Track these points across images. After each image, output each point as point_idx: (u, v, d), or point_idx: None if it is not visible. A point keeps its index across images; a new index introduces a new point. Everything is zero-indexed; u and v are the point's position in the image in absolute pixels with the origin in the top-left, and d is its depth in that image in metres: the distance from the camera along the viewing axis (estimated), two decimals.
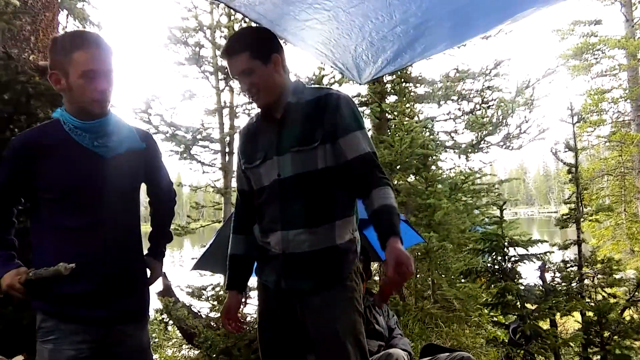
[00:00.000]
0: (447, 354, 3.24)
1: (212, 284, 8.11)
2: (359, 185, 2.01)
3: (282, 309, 2.09)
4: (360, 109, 11.50)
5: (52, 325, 1.96)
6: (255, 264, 2.25)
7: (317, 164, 2.01)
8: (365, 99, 10.28)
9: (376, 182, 1.97)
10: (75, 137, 2.00)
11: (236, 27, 10.02)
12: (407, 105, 9.80)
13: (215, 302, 7.25)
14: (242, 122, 12.15)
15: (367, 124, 11.28)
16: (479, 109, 10.22)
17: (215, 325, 6.35)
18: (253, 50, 2.01)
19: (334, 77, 8.75)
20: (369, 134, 11.30)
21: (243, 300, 2.47)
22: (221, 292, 7.77)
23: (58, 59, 1.95)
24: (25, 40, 5.94)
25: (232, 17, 9.75)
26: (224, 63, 2.04)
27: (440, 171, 9.18)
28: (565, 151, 5.14)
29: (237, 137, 2.32)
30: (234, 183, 11.40)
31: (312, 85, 2.23)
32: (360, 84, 3.35)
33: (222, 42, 11.10)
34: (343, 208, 2.07)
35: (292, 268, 2.03)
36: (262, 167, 2.10)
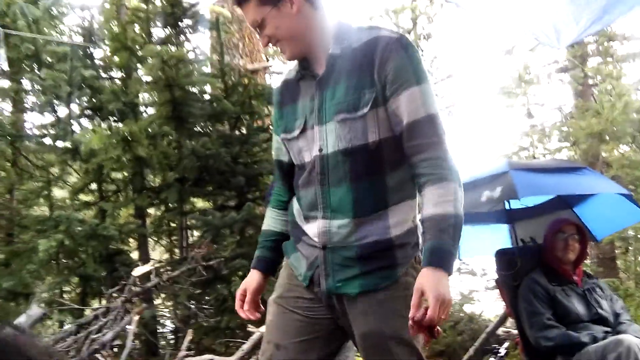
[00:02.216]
0: None
1: None
2: (415, 167, 1.54)
3: (316, 300, 1.68)
4: (558, 75, 10.65)
5: None
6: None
7: (368, 136, 1.55)
8: (565, 64, 9.40)
9: (433, 170, 1.49)
10: None
11: (422, 8, 9.90)
12: (614, 66, 8.71)
13: None
14: None
15: (569, 91, 10.32)
16: None
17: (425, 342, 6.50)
18: None
19: (526, 45, 8.13)
20: (571, 102, 10.25)
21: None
22: None
23: None
24: (235, 47, 6.72)
25: None
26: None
27: None
28: None
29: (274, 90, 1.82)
30: None
31: (361, 25, 1.67)
32: (558, 49, 3.09)
33: (408, 24, 11.11)
34: (401, 189, 1.61)
35: (335, 267, 1.61)
36: (301, 139, 1.65)
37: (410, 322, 1.37)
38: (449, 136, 1.55)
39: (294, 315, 1.67)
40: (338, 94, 1.56)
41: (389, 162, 1.57)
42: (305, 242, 1.67)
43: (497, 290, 3.97)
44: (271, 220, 1.85)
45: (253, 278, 1.80)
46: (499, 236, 4.09)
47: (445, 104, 11.90)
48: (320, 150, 1.58)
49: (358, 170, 1.56)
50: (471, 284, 7.20)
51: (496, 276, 3.44)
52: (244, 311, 1.78)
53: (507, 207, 3.58)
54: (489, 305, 6.70)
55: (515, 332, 4.29)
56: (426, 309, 1.34)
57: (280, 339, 1.67)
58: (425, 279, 1.38)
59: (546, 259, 3.13)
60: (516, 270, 3.16)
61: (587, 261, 6.70)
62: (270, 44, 1.63)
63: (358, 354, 1.91)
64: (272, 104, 1.98)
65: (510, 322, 5.15)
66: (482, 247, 4.20)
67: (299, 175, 1.69)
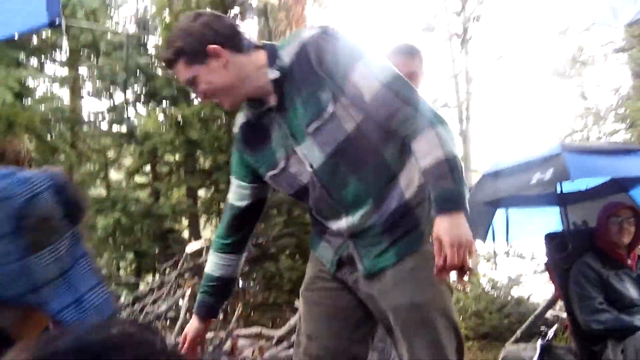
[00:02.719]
0: None
1: None
2: (397, 133, 1.56)
3: (344, 286, 1.72)
4: (615, 56, 10.20)
5: None
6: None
7: (345, 127, 1.56)
8: (622, 44, 9.00)
9: (410, 128, 1.51)
10: None
11: None
12: None
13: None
14: (478, 86, 11.79)
15: (626, 72, 9.89)
16: None
17: (462, 288, 6.46)
18: (185, 54, 1.56)
19: (581, 24, 7.83)
20: (628, 83, 9.84)
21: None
22: None
23: None
24: (282, 34, 6.77)
25: None
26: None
27: None
28: None
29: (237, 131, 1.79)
30: (471, 148, 11.19)
31: (281, 43, 1.68)
32: (615, 28, 2.99)
33: (457, 6, 10.88)
34: (400, 153, 1.62)
35: (366, 248, 1.64)
36: (290, 167, 1.65)
37: (435, 269, 1.41)
38: (414, 92, 1.55)
39: (321, 306, 1.72)
40: (299, 111, 1.58)
41: (377, 138, 1.59)
42: (330, 233, 1.70)
43: (546, 274, 3.91)
44: (213, 265, 1.83)
45: (192, 324, 1.84)
46: (550, 220, 4.02)
47: (497, 86, 11.64)
48: (311, 166, 1.60)
49: (356, 160, 1.59)
50: (520, 268, 7.09)
51: (546, 259, 3.39)
52: (187, 353, 1.81)
53: (558, 190, 3.51)
54: (537, 289, 6.59)
55: (564, 315, 4.23)
56: (445, 256, 1.38)
57: (312, 330, 1.72)
58: (438, 226, 1.41)
59: (599, 243, 3.07)
60: (567, 253, 3.11)
61: None
62: (208, 98, 1.65)
63: None
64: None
65: (559, 305, 5.06)
66: (531, 230, 4.14)
67: (303, 198, 1.72)
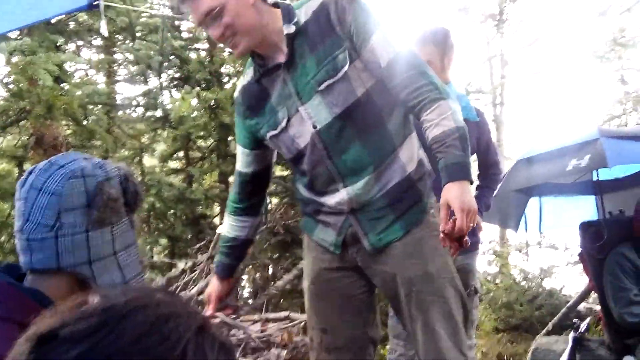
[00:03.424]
0: None
1: (487, 238, 8.10)
2: (406, 102, 1.57)
3: (349, 271, 1.72)
4: None
5: None
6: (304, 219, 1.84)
7: (356, 91, 1.56)
8: None
9: (422, 98, 1.51)
10: None
11: None
12: None
13: (493, 256, 7.25)
14: (513, 70, 11.55)
15: None
16: None
17: (494, 279, 6.40)
18: None
19: (622, 4, 7.56)
20: None
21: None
22: (497, 247, 7.71)
23: None
24: None
25: None
26: (188, 9, 1.54)
27: None
28: None
29: (238, 101, 1.76)
30: (504, 134, 11.00)
31: (298, 3, 1.64)
32: None
33: None
34: (401, 127, 1.65)
35: (370, 223, 1.63)
36: (290, 128, 1.62)
37: (441, 235, 1.41)
38: (423, 62, 1.60)
39: (329, 298, 1.72)
40: (310, 68, 1.56)
41: (383, 107, 1.61)
42: (327, 212, 1.68)
43: (580, 266, 3.85)
44: (228, 227, 1.88)
45: (214, 284, 1.90)
46: (585, 209, 3.94)
47: (533, 69, 11.36)
48: (315, 126, 1.59)
49: (361, 126, 1.59)
50: (552, 259, 6.97)
51: (579, 250, 3.33)
52: (211, 309, 1.88)
53: (594, 177, 3.44)
54: (570, 281, 6.48)
55: (597, 308, 4.17)
56: (454, 220, 1.39)
57: (325, 323, 1.73)
58: (448, 192, 1.42)
59: (636, 233, 3.00)
60: (602, 242, 3.05)
61: None
62: (224, 37, 1.54)
63: None
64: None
65: (592, 297, 4.98)
66: (565, 219, 4.08)
67: (299, 162, 1.68)
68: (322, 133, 1.58)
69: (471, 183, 1.47)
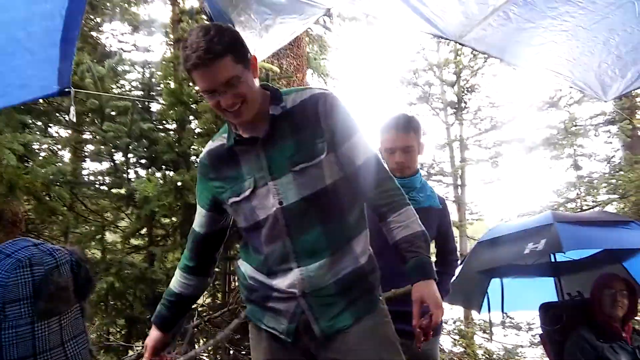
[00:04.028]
0: None
1: (452, 318, 8.07)
2: (373, 200, 1.69)
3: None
4: (606, 128, 10.47)
5: None
6: (249, 307, 1.83)
7: (325, 179, 1.64)
8: (612, 116, 9.27)
9: (392, 200, 1.66)
10: None
11: (465, 62, 10.05)
12: None
13: (457, 337, 7.19)
14: (472, 154, 12.01)
15: (617, 144, 10.13)
16: None
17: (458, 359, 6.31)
18: (235, 52, 1.54)
19: (572, 97, 8.11)
20: (620, 154, 9.99)
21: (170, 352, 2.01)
22: (462, 327, 7.67)
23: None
24: None
25: (459, 52, 9.85)
26: (200, 76, 1.54)
27: None
28: None
29: (203, 162, 1.81)
30: (467, 216, 11.25)
31: (285, 90, 1.75)
32: (605, 102, 3.10)
33: (451, 77, 11.27)
34: (358, 223, 1.74)
35: (322, 309, 1.63)
36: (253, 198, 1.66)
37: (417, 330, 1.52)
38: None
39: None
40: (289, 148, 1.63)
41: (346, 200, 1.70)
42: (277, 298, 1.67)
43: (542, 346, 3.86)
44: (175, 281, 1.91)
45: (152, 335, 1.91)
46: (545, 289, 4.01)
47: (490, 154, 11.84)
48: (281, 203, 1.62)
49: (325, 211, 1.65)
50: (516, 339, 6.96)
51: (541, 331, 3.37)
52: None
53: (552, 259, 3.53)
54: None
55: None
56: (430, 315, 1.51)
57: None
58: (422, 289, 1.55)
59: (594, 315, 3.06)
60: (562, 325, 3.10)
61: (639, 317, 6.39)
62: (234, 105, 1.57)
63: None
64: None
65: None
66: (526, 300, 4.12)
67: (256, 235, 1.69)
68: (287, 210, 1.62)
69: (436, 281, 1.58)
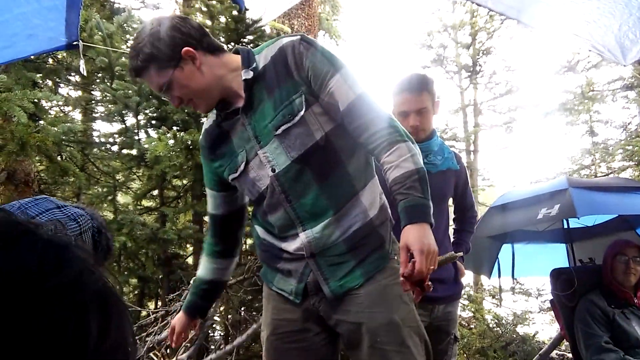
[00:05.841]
0: None
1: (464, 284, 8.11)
2: (365, 146, 1.55)
3: (310, 322, 1.68)
4: (623, 93, 10.25)
5: None
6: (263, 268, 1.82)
7: (314, 134, 1.54)
8: (630, 82, 9.06)
9: (382, 140, 1.49)
10: None
11: (481, 23, 9.81)
12: None
13: (467, 302, 7.24)
14: (486, 119, 11.86)
15: (634, 110, 9.94)
16: None
17: (468, 324, 6.37)
18: (157, 60, 1.52)
19: (589, 61, 7.91)
20: (636, 121, 9.80)
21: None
22: (471, 292, 7.72)
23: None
24: None
25: (475, 14, 9.60)
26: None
27: None
28: None
29: (204, 141, 1.77)
30: (479, 181, 11.19)
31: (258, 48, 1.66)
32: (624, 65, 3.00)
33: (466, 40, 11.03)
34: (363, 171, 1.63)
35: (331, 268, 1.59)
36: (250, 171, 1.62)
37: (401, 278, 1.35)
38: (383, 106, 1.55)
39: (291, 350, 1.68)
40: (267, 112, 1.55)
41: (343, 151, 1.58)
42: (287, 259, 1.65)
43: (552, 312, 3.88)
44: (204, 269, 1.89)
45: (180, 319, 1.90)
46: (556, 256, 4.00)
47: (504, 120, 11.69)
48: (273, 170, 1.57)
49: (320, 169, 1.56)
50: (525, 305, 7.00)
51: (551, 297, 3.37)
52: (174, 343, 1.89)
53: (565, 225, 3.50)
54: (543, 327, 6.49)
55: (570, 355, 4.16)
56: (414, 263, 1.33)
57: None
58: (408, 234, 1.37)
59: (605, 281, 3.05)
60: (573, 290, 3.09)
61: None
62: (183, 103, 1.58)
63: None
64: None
65: (565, 345, 4.99)
66: (537, 266, 4.12)
67: (260, 205, 1.67)
68: (281, 177, 1.57)
69: (431, 226, 1.41)
